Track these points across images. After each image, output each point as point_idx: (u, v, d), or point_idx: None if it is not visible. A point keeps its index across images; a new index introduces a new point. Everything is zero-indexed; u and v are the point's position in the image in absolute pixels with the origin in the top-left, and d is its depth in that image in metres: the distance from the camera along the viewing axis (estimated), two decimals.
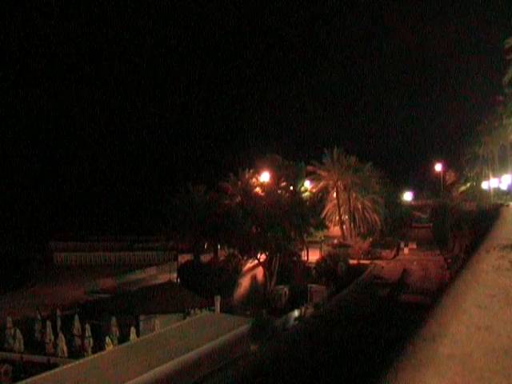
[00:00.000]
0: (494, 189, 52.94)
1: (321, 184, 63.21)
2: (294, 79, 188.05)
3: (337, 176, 62.04)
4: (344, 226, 62.00)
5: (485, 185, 57.17)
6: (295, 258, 42.93)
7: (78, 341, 23.80)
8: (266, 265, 40.34)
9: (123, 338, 23.04)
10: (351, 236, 60.84)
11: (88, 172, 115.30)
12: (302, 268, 42.80)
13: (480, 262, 6.81)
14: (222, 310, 28.06)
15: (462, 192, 65.83)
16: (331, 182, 62.90)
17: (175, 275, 38.88)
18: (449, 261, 46.57)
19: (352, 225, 62.33)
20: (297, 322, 30.59)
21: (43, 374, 15.91)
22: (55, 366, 18.81)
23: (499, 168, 51.99)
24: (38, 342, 24.21)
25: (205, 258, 42.43)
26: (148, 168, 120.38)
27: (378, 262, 50.34)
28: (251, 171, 58.54)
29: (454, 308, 3.70)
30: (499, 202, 41.32)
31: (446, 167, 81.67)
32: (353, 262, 47.35)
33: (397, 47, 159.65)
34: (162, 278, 38.62)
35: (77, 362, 17.33)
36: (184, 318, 25.33)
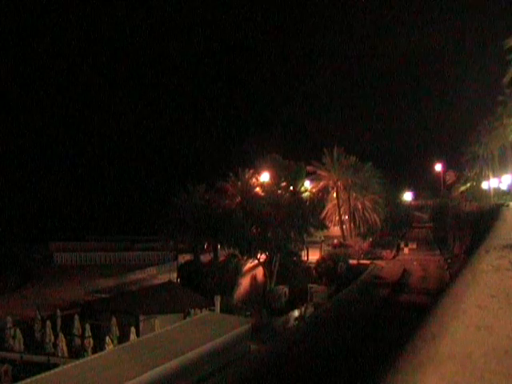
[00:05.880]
0: (494, 189, 52.84)
1: (321, 184, 63.25)
2: (293, 79, 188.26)
3: (337, 176, 62.12)
4: (344, 226, 62.08)
5: (485, 185, 57.07)
6: (295, 258, 42.95)
7: (77, 341, 23.79)
8: (266, 265, 40.35)
9: (123, 338, 23.03)
10: (351, 236, 60.91)
11: (88, 172, 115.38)
12: (302, 268, 42.82)
13: (480, 262, 6.81)
14: (222, 310, 28.04)
15: (462, 192, 65.75)
16: (331, 182, 62.97)
17: (175, 275, 38.88)
18: (449, 261, 46.62)
19: (352, 225, 62.41)
20: (297, 322, 30.60)
21: (43, 374, 15.89)
22: (55, 366, 18.76)
23: (499, 168, 51.88)
24: (38, 342, 24.17)
25: (205, 258, 42.41)
26: (148, 168, 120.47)
27: (377, 262, 50.34)
28: (251, 171, 58.47)
29: (454, 308, 3.70)
30: (499, 201, 41.27)
31: (446, 167, 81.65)
32: (353, 261, 47.34)
33: (397, 47, 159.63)
34: (162, 278, 38.58)
35: (77, 362, 17.30)
36: (184, 318, 25.31)
